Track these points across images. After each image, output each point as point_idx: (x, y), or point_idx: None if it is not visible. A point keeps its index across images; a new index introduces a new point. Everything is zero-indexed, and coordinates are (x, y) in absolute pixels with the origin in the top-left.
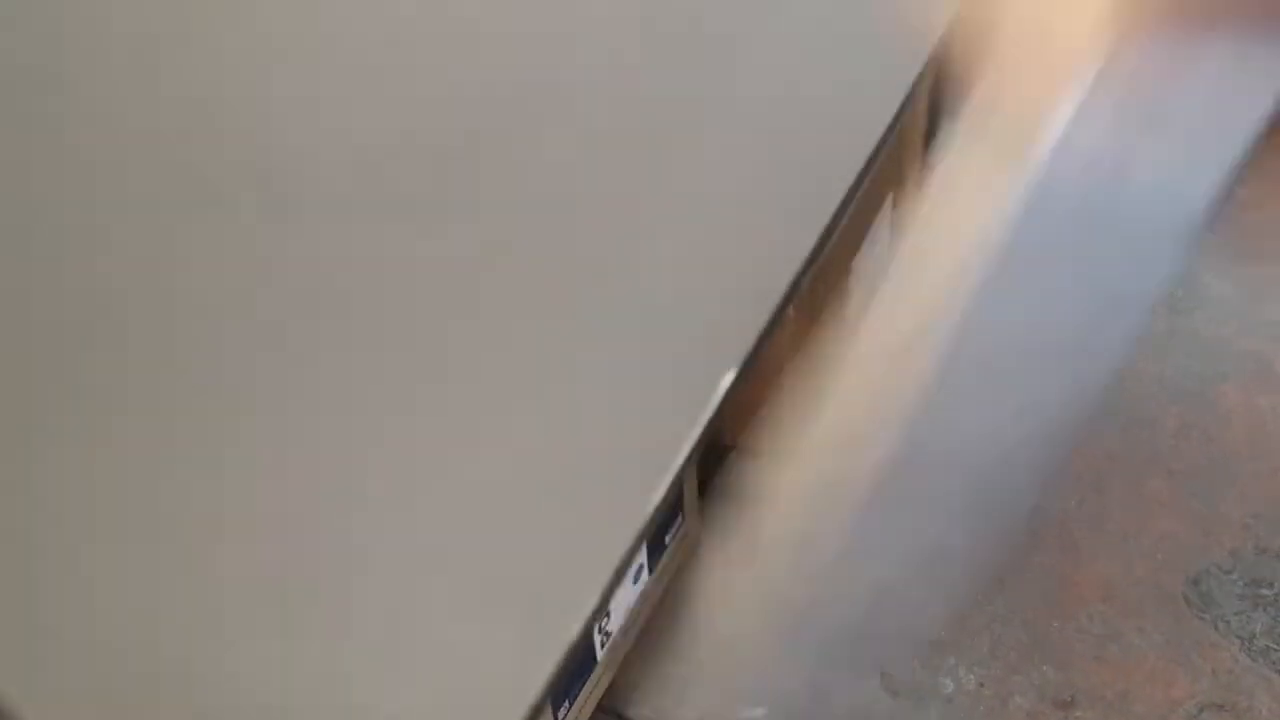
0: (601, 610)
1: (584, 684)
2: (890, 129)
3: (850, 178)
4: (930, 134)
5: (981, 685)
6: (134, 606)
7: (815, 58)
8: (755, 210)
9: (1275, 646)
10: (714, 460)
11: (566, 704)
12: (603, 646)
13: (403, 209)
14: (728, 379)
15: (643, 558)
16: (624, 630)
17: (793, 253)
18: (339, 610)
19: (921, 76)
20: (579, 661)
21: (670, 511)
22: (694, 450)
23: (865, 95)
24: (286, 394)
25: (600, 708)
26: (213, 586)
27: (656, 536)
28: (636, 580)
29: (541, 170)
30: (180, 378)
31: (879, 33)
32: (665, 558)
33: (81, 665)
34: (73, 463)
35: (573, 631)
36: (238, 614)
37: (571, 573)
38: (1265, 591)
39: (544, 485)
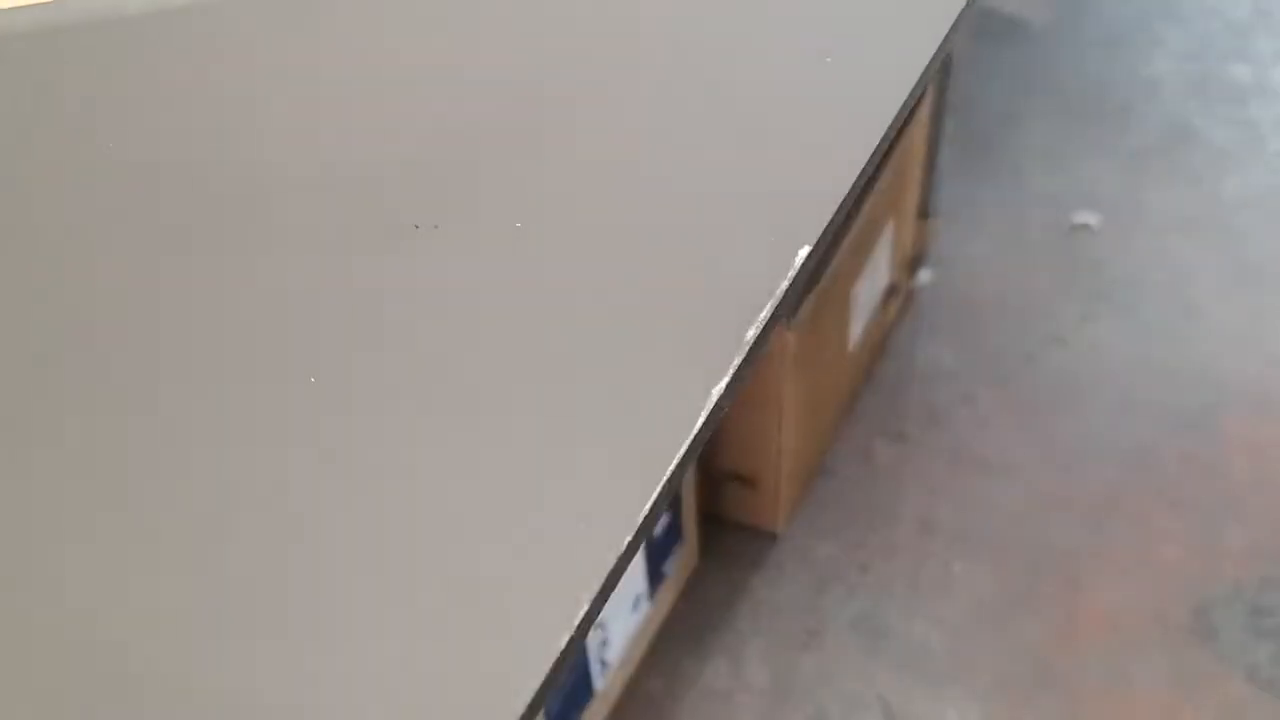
0: (590, 622)
1: (581, 713)
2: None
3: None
4: (930, 163)
5: (985, 717)
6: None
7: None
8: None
9: None
10: (714, 488)
11: None
12: (601, 675)
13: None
14: (718, 389)
15: (642, 585)
16: (623, 659)
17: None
18: (299, 616)
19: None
20: (576, 689)
21: (669, 538)
22: (683, 466)
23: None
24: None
25: None
26: (175, 585)
27: (655, 564)
28: (636, 608)
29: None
30: (151, 406)
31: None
32: (664, 585)
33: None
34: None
35: (559, 644)
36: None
37: (556, 584)
38: (1269, 621)
39: (527, 492)
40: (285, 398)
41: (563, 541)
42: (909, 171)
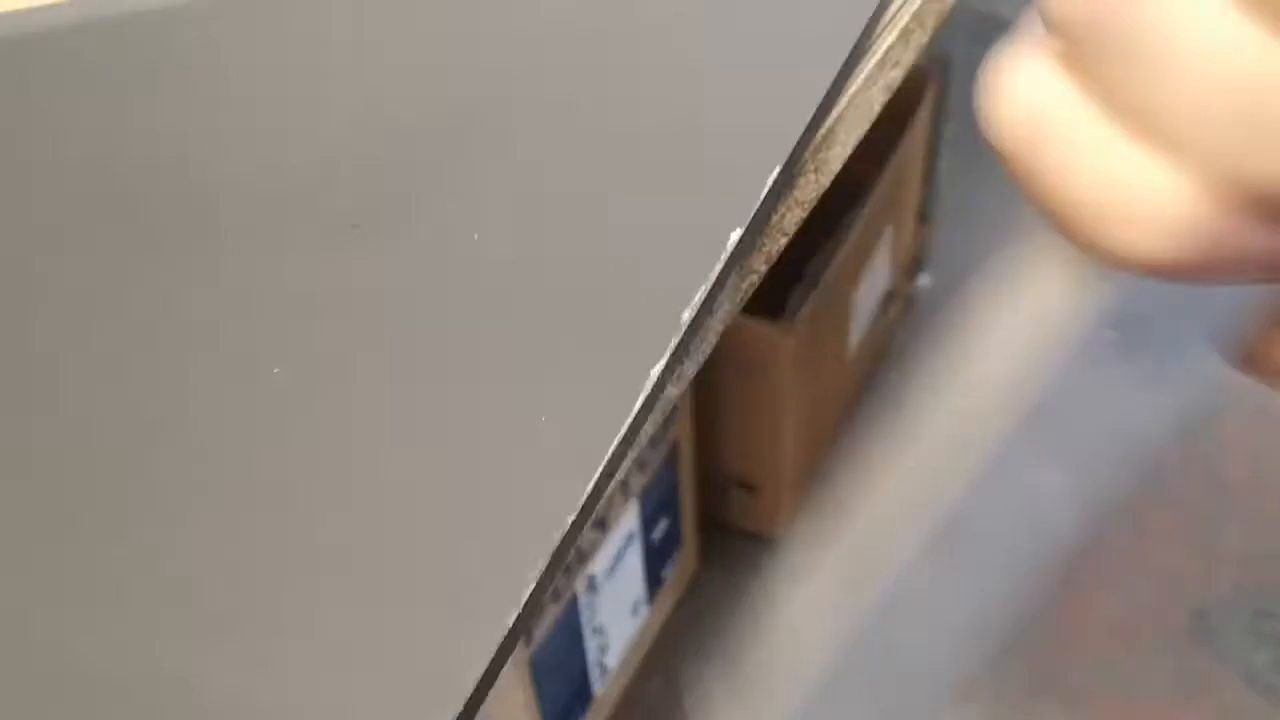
0: (537, 600)
1: (581, 718)
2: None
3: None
4: (929, 167)
5: None
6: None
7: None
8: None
9: (1279, 681)
10: (713, 493)
11: None
12: (601, 680)
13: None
14: (657, 370)
15: (642, 591)
16: (623, 664)
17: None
18: (252, 604)
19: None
20: (575, 694)
21: (669, 544)
22: (625, 444)
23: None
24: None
25: None
26: (124, 582)
27: (655, 569)
28: (635, 613)
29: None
30: (109, 407)
31: None
32: (663, 590)
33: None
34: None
35: (506, 623)
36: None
37: (502, 565)
38: (1268, 625)
39: (469, 473)
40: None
41: (508, 522)
42: (908, 176)
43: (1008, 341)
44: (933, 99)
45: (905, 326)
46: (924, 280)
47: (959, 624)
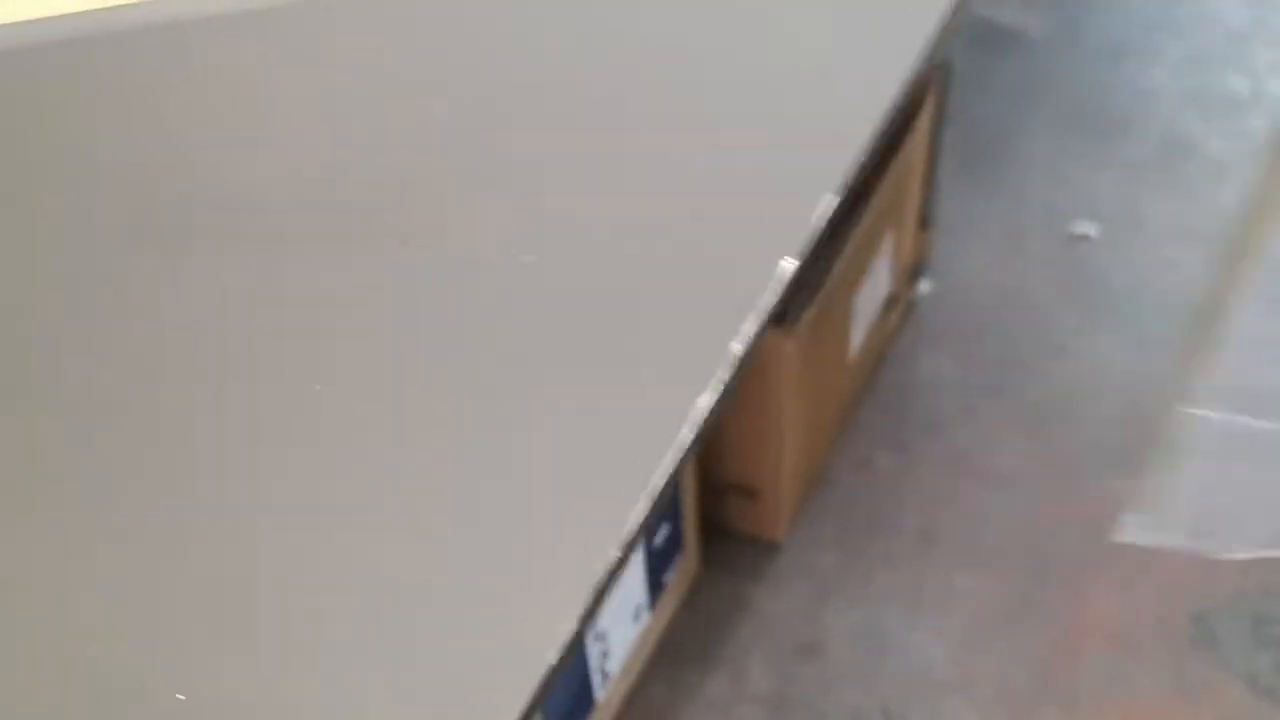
0: (579, 635)
1: None
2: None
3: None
4: (930, 173)
5: None
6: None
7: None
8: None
9: None
10: (714, 498)
11: None
12: (602, 685)
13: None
14: (705, 400)
15: (643, 596)
16: (625, 669)
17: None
18: (273, 625)
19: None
20: (577, 700)
21: (670, 549)
22: (670, 478)
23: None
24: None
25: None
26: (178, 591)
27: (656, 575)
28: (636, 618)
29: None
30: (124, 406)
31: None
32: (665, 595)
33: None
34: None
35: (548, 659)
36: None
37: (544, 599)
38: (1270, 630)
39: (514, 505)
40: (286, 404)
41: (551, 555)
42: (909, 181)
43: (1007, 345)
44: (934, 105)
45: (906, 332)
46: (925, 286)
47: (958, 623)
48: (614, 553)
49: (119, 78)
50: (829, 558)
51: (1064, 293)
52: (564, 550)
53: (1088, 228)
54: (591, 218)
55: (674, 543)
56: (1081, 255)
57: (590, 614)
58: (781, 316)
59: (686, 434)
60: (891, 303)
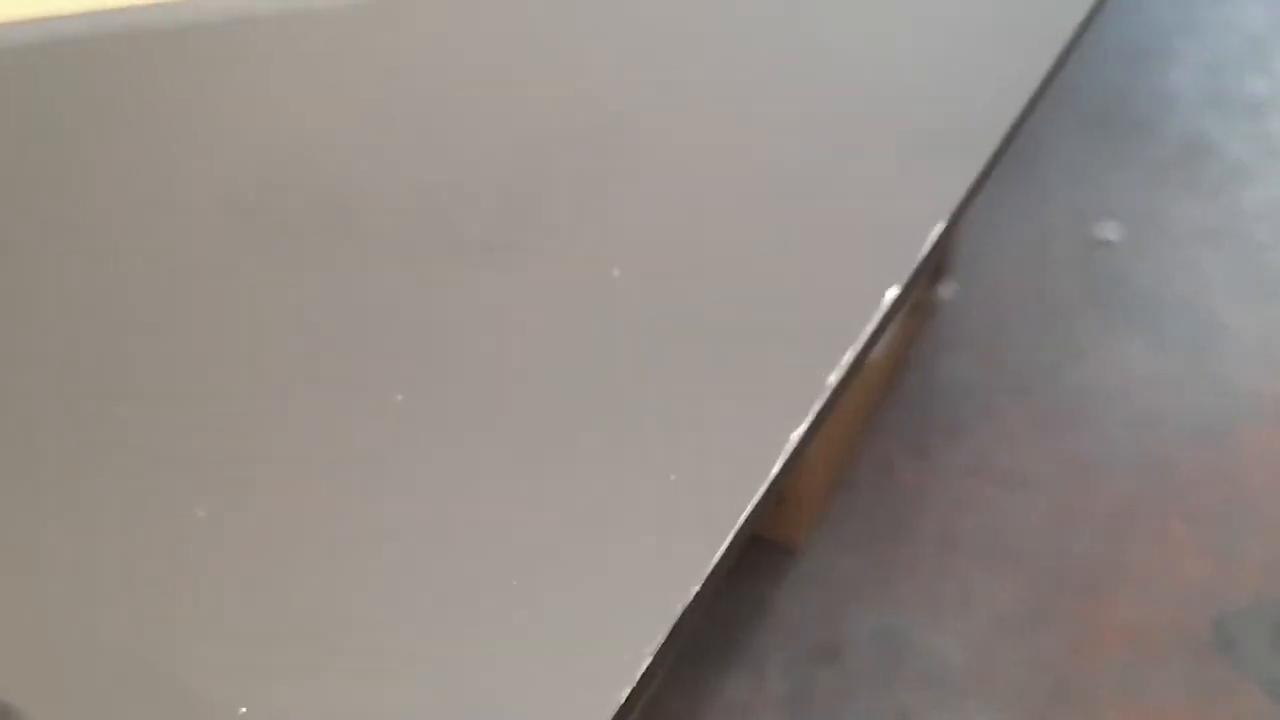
0: (653, 674)
1: None
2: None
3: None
4: None
5: None
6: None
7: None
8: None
9: None
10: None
11: None
12: None
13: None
14: (798, 434)
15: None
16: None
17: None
18: (354, 646)
19: None
20: None
21: None
22: (757, 512)
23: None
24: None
25: None
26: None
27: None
28: None
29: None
30: (228, 409)
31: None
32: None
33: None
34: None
35: (619, 697)
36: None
37: (619, 635)
38: None
39: (596, 533)
40: (369, 415)
41: (628, 590)
42: None
43: (1029, 348)
44: None
45: (928, 335)
46: (947, 289)
47: (977, 626)
48: (694, 589)
49: (208, 73)
50: (849, 561)
51: (1085, 295)
52: (641, 587)
53: (1109, 230)
54: (686, 234)
55: None
56: (1103, 257)
57: (666, 654)
58: None
59: (777, 468)
60: (914, 306)
